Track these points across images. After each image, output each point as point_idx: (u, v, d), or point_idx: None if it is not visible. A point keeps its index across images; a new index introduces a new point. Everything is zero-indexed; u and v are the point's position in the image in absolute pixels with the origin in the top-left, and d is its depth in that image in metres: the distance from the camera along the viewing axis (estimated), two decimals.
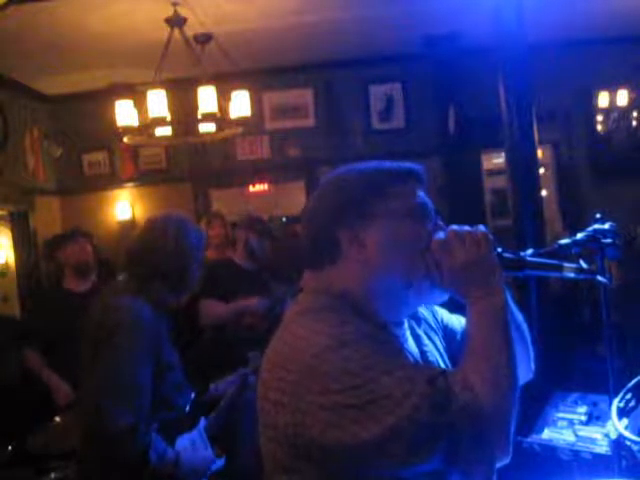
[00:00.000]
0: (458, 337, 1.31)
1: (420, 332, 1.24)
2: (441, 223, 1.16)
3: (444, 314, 1.35)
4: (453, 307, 1.32)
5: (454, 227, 1.13)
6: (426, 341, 1.23)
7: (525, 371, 1.27)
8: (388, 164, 1.17)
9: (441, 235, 1.12)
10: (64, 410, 3.01)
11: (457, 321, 1.35)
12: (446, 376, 0.99)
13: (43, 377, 3.26)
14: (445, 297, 1.19)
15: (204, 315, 3.54)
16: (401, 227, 1.11)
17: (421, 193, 1.16)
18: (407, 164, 1.18)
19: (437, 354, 1.24)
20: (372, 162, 1.19)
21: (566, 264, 1.11)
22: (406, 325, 1.20)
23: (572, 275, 1.10)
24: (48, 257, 3.86)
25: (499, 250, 1.13)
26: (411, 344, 1.18)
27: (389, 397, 0.95)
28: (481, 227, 1.13)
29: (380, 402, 0.95)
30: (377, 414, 0.94)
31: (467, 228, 1.12)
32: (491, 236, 1.12)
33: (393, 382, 0.96)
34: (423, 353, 1.19)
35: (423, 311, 1.30)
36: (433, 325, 1.30)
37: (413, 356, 1.14)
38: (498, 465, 1.03)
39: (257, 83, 5.49)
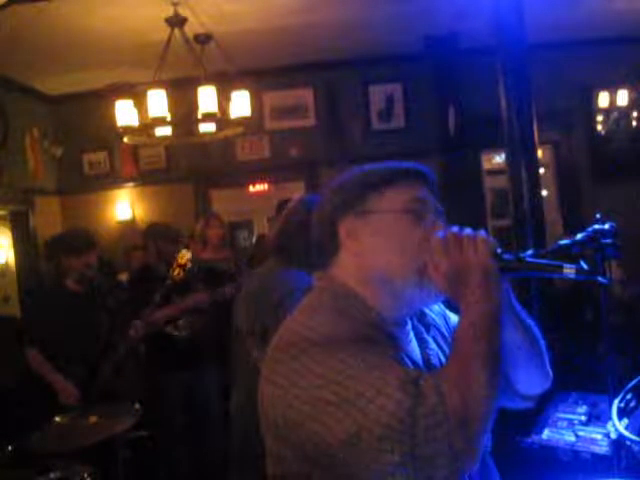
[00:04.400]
0: None
1: (428, 337, 1.23)
2: (442, 223, 1.15)
3: (451, 317, 1.33)
4: (451, 308, 1.31)
5: (454, 229, 1.12)
6: (433, 346, 1.22)
7: (540, 378, 1.24)
8: (392, 164, 1.19)
9: (439, 235, 1.11)
10: (68, 410, 3.01)
11: None
12: (419, 379, 0.99)
13: (47, 377, 3.23)
14: (441, 298, 1.18)
15: None
16: (395, 224, 1.13)
17: (423, 192, 1.16)
18: (412, 163, 1.19)
19: (445, 358, 1.21)
20: (380, 163, 1.21)
21: (566, 265, 1.10)
22: (409, 327, 1.20)
23: (572, 276, 1.09)
24: (48, 257, 3.82)
25: (499, 251, 1.11)
26: (414, 347, 1.18)
27: (362, 396, 0.97)
28: (482, 232, 1.12)
29: (354, 400, 0.97)
30: (351, 412, 0.97)
31: (467, 231, 1.12)
32: (492, 241, 1.10)
33: (369, 381, 0.98)
34: (427, 357, 1.19)
35: (435, 317, 1.29)
36: (445, 332, 1.29)
37: (412, 359, 1.13)
38: (464, 471, 1.02)
39: (257, 83, 5.49)
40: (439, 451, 0.96)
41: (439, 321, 1.30)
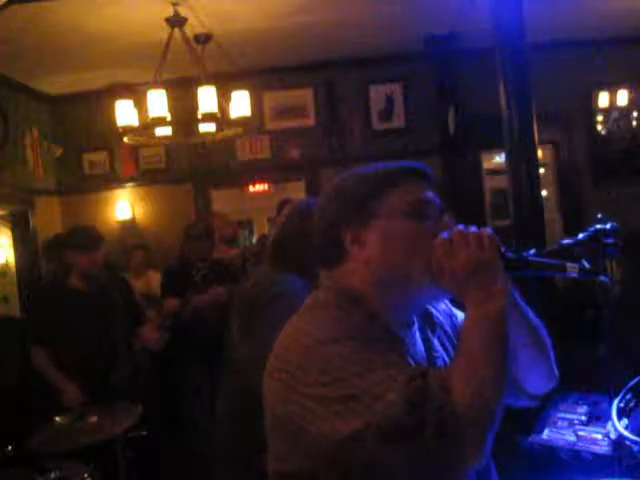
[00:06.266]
0: None
1: (434, 338, 1.22)
2: (449, 220, 1.14)
3: (459, 317, 1.32)
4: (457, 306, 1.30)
5: (460, 227, 1.11)
6: (438, 348, 1.22)
7: (546, 378, 1.24)
8: (391, 164, 1.17)
9: (445, 235, 1.10)
10: (68, 410, 3.00)
11: None
12: (427, 376, 0.99)
13: (51, 378, 3.20)
14: (447, 296, 1.18)
15: None
16: (401, 226, 1.11)
17: (426, 192, 1.15)
18: (410, 162, 1.18)
19: (449, 361, 1.21)
20: (377, 164, 1.19)
21: (568, 264, 1.10)
22: (415, 327, 1.19)
23: (575, 275, 1.09)
24: (48, 256, 3.81)
25: (502, 250, 1.11)
26: (419, 348, 1.17)
27: (369, 393, 0.97)
28: (488, 229, 1.11)
29: (360, 397, 0.97)
30: (357, 409, 0.97)
31: (473, 229, 1.11)
32: (497, 238, 1.10)
33: (375, 379, 0.98)
34: (432, 358, 1.18)
35: (440, 316, 1.28)
36: (449, 331, 1.28)
37: (418, 361, 1.13)
38: (470, 468, 1.04)
39: (257, 83, 5.50)
40: (446, 449, 0.96)
41: (445, 320, 1.29)
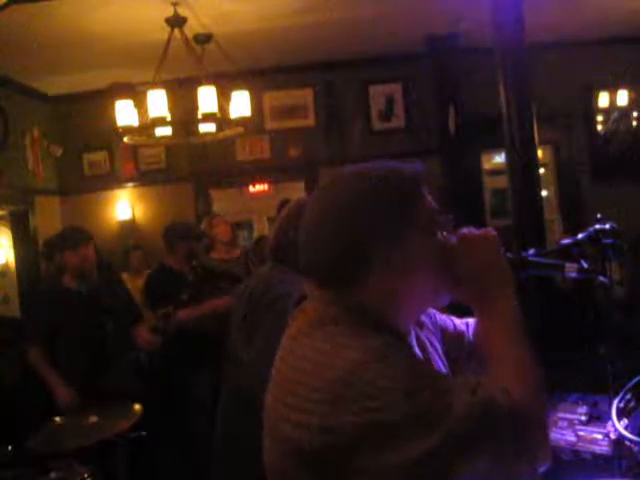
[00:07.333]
0: (450, 335, 1.31)
1: (423, 337, 1.22)
2: (449, 225, 1.12)
3: (437, 315, 1.33)
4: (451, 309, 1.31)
5: (464, 231, 1.10)
6: (429, 347, 1.21)
7: None
8: (401, 170, 1.09)
9: (453, 240, 1.09)
10: (68, 410, 3.00)
11: (449, 321, 1.35)
12: (483, 384, 0.96)
13: (44, 376, 3.22)
14: (447, 300, 1.17)
15: None
16: (426, 242, 1.06)
17: (430, 197, 1.10)
18: (414, 168, 1.10)
19: (438, 358, 1.22)
20: (381, 164, 1.10)
21: (567, 264, 1.11)
22: (412, 331, 1.18)
23: (573, 275, 1.10)
24: (47, 257, 3.82)
25: (502, 250, 1.12)
26: (415, 349, 1.16)
27: (431, 411, 0.91)
28: (490, 229, 1.11)
29: (423, 417, 0.90)
30: (421, 430, 0.90)
31: (476, 231, 1.10)
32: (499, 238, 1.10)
33: (434, 395, 0.92)
34: (427, 359, 1.18)
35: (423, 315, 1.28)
36: (432, 328, 1.28)
37: None
38: (540, 469, 1.01)
39: (257, 83, 5.49)
40: (520, 452, 0.95)
41: (426, 318, 1.29)
